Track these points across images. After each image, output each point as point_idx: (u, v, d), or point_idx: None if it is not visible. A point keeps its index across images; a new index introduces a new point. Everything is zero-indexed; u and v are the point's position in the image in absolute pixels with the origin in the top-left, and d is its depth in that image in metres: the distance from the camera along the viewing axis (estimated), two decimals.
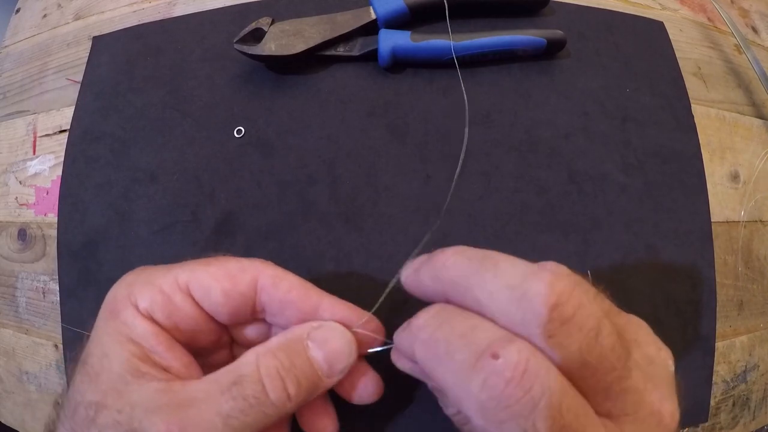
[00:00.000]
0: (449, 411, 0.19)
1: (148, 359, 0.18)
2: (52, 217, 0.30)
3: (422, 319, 0.18)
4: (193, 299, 0.20)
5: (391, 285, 0.21)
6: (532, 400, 0.14)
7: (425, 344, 0.17)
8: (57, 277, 0.29)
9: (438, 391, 0.19)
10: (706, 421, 0.29)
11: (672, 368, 0.18)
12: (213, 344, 0.22)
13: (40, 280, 0.30)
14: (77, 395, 0.18)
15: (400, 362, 0.20)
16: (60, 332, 0.29)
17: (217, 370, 0.18)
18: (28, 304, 0.30)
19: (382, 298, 0.22)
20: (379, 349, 0.21)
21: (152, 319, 0.19)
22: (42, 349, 0.30)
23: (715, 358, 0.29)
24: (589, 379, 0.15)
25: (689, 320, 0.29)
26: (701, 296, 0.30)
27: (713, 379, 0.29)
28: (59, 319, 0.29)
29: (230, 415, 0.17)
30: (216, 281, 0.19)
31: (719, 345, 0.30)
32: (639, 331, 0.18)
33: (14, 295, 0.31)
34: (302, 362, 0.19)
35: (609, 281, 0.27)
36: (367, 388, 0.21)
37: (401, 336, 0.19)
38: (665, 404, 0.16)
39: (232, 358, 0.21)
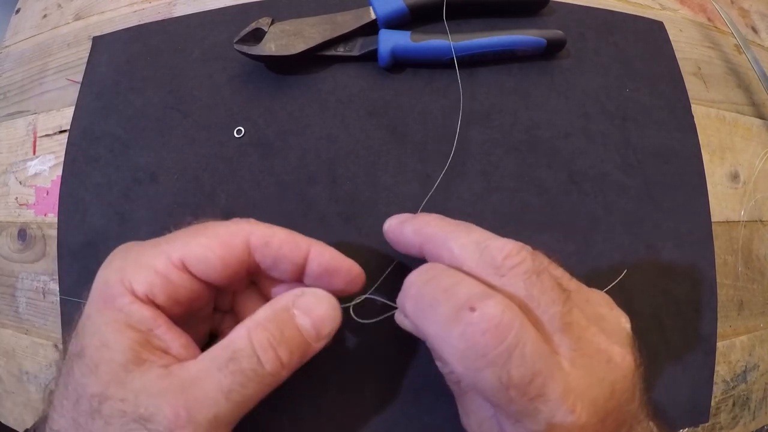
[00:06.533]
0: (445, 369, 0.21)
1: (148, 344, 0.18)
2: (52, 217, 0.30)
3: (412, 276, 0.19)
4: (190, 273, 0.20)
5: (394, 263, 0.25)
6: (507, 350, 0.16)
7: (413, 299, 0.19)
8: (57, 277, 0.29)
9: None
10: (707, 421, 0.29)
11: (626, 326, 0.20)
12: (204, 312, 0.22)
13: (40, 280, 0.30)
14: (78, 388, 0.18)
15: (404, 322, 0.22)
16: (60, 332, 0.29)
17: (200, 338, 0.19)
18: (28, 304, 0.30)
19: (386, 273, 0.25)
20: (383, 316, 0.23)
21: (151, 303, 0.19)
22: (42, 349, 0.29)
23: (716, 358, 0.29)
24: (535, 311, 0.18)
25: (689, 320, 0.29)
26: (701, 296, 0.30)
27: (713, 379, 0.29)
28: (59, 320, 0.29)
29: (231, 389, 0.17)
30: (211, 251, 0.20)
31: (719, 345, 0.30)
32: (594, 296, 0.21)
33: (14, 295, 0.31)
34: (291, 331, 0.19)
35: (609, 281, 0.27)
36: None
37: (399, 295, 0.21)
38: (614, 347, 0.19)
39: (214, 326, 0.23)
